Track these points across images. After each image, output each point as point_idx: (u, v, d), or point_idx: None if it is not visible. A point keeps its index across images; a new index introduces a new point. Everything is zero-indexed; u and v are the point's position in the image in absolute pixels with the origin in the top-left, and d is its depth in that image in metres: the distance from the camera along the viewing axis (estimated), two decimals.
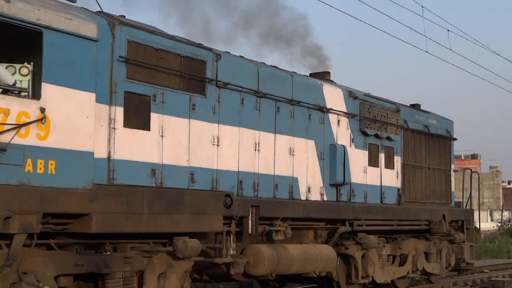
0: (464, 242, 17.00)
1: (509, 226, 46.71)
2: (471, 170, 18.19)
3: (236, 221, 10.65)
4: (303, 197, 12.46)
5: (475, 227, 17.97)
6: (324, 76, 14.80)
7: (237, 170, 11.11)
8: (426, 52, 19.92)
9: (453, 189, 17.70)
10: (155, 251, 9.31)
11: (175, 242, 9.43)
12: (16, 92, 7.63)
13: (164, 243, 9.62)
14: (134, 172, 9.30)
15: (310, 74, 14.91)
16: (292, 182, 12.27)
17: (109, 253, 8.89)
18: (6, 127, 7.40)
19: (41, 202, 7.67)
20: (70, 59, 8.18)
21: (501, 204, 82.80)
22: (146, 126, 9.55)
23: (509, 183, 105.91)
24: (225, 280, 12.41)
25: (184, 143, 10.15)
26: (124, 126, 9.19)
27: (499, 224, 49.61)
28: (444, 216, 16.05)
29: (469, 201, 17.92)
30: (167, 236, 9.62)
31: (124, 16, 10.05)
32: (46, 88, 7.87)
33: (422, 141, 16.49)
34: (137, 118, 9.44)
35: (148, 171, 9.53)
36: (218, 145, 10.77)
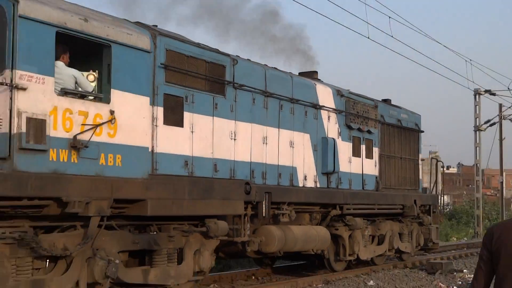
0: (431, 224, 18.97)
1: (448, 210, 49.36)
2: (437, 160, 20.15)
3: (252, 205, 12.23)
4: (300, 184, 14.12)
5: (439, 211, 19.98)
6: (312, 74, 16.46)
7: (249, 161, 12.69)
8: (368, 38, 20.41)
9: (420, 176, 19.65)
10: (192, 231, 10.84)
11: (207, 223, 10.98)
12: (93, 97, 9.04)
13: (196, 224, 11.15)
14: (172, 163, 10.78)
15: (299, 73, 16.54)
16: (292, 171, 13.92)
17: (155, 233, 10.40)
18: (86, 127, 8.82)
19: (112, 190, 9.13)
20: (131, 68, 9.63)
21: (441, 188, 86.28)
22: (180, 123, 11.03)
23: (447, 168, 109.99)
24: (239, 257, 14.01)
25: (209, 137, 11.67)
26: (163, 124, 10.65)
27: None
28: (415, 201, 17.97)
29: (435, 187, 19.90)
30: (197, 218, 11.15)
31: (156, 26, 11.50)
32: (114, 94, 9.31)
33: (396, 134, 18.34)
34: (173, 116, 10.90)
35: (182, 162, 11.03)
36: (235, 139, 12.33)
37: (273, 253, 12.98)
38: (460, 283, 15.62)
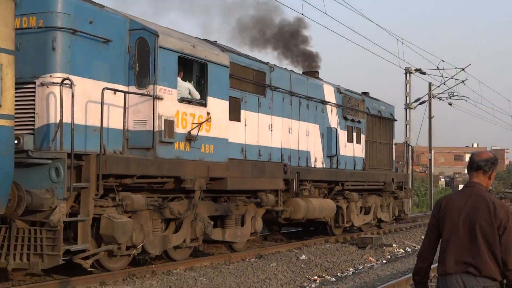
0: (403, 198, 22.81)
1: None
2: (408, 144, 23.97)
3: (284, 182, 15.64)
4: (313, 165, 17.62)
5: (408, 187, 23.85)
6: (314, 74, 19.93)
7: (280, 147, 16.10)
8: (302, 14, 20.70)
9: (393, 158, 23.44)
10: (250, 202, 14.22)
11: (260, 196, 14.37)
12: (197, 102, 12.30)
13: (249, 196, 14.51)
14: (234, 150, 14.08)
15: (303, 72, 19.97)
16: (307, 155, 17.41)
17: (225, 203, 13.74)
18: (194, 125, 12.08)
19: (208, 170, 12.43)
20: (218, 79, 12.89)
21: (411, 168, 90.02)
22: (238, 118, 14.33)
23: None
24: (270, 223, 17.47)
25: (255, 129, 15.02)
26: (229, 120, 13.93)
27: None
28: (393, 179, 21.75)
29: (406, 167, 23.74)
30: (249, 192, 14.49)
31: (216, 41, 14.73)
32: (209, 99, 12.58)
33: (377, 123, 22.03)
34: (235, 113, 14.18)
35: (240, 149, 14.36)
36: (271, 130, 15.71)
37: (298, 220, 16.46)
38: (389, 257, 16.23)
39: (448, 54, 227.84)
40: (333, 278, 12.92)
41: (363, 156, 20.79)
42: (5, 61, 8.29)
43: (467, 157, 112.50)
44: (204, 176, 12.40)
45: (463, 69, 35.63)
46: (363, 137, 20.83)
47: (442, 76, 35.96)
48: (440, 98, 38.49)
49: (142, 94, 11.20)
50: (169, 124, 11.41)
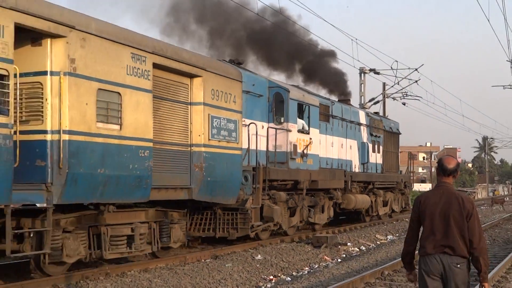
0: (408, 194, 29.74)
1: None
2: (410, 153, 30.93)
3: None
4: (353, 170, 24.36)
5: (410, 185, 30.85)
6: (347, 101, 26.70)
7: (337, 158, 22.81)
8: (257, 14, 21.58)
9: (399, 163, 30.36)
10: (326, 196, 20.89)
11: (332, 192, 21.04)
12: (306, 132, 18.92)
13: (324, 193, 21.13)
14: (315, 160, 20.73)
15: (338, 99, 26.71)
16: (351, 163, 24.17)
17: (312, 197, 20.39)
18: (304, 146, 18.70)
19: (310, 176, 19.06)
20: (314, 115, 19.52)
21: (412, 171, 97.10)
22: None
23: None
24: None
25: (324, 146, 21.70)
26: None
27: None
28: (401, 179, 28.68)
29: (407, 170, 30.72)
30: (323, 189, 21.12)
31: (298, 86, 21.37)
32: (310, 129, 19.21)
33: (389, 136, 28.93)
34: None
35: (318, 160, 21.00)
36: (332, 146, 22.41)
37: (350, 209, 23.17)
38: (344, 256, 16.43)
39: (401, 55, 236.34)
40: (289, 278, 13.02)
41: (381, 162, 27.65)
42: (239, 118, 14.82)
43: (420, 156, 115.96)
44: (308, 179, 19.01)
45: (416, 69, 36.58)
46: (381, 148, 27.68)
47: (396, 76, 37.53)
48: (394, 98, 38.99)
49: (281, 129, 17.79)
50: (294, 147, 18.03)
